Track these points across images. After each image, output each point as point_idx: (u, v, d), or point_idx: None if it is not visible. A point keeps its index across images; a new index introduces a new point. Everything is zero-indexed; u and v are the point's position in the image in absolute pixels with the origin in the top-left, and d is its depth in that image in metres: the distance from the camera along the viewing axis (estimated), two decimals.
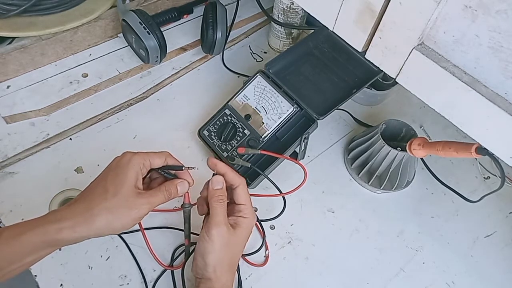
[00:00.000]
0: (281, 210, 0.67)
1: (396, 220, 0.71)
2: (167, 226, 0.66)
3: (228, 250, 0.53)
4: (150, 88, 0.81)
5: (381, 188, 0.72)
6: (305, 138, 0.69)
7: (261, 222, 0.67)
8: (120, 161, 0.52)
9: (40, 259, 0.48)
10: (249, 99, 0.71)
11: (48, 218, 0.48)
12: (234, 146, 0.69)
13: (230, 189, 0.56)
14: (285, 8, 0.83)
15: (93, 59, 0.84)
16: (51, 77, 0.80)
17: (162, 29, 0.79)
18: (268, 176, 0.66)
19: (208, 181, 0.56)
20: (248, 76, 0.80)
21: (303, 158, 0.75)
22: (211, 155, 0.72)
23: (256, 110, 0.70)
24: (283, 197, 0.66)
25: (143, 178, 0.54)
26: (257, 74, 0.71)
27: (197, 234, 0.59)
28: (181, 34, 0.90)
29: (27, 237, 0.46)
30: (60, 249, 0.62)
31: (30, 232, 0.46)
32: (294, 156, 0.74)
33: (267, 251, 0.65)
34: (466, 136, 0.39)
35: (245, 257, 0.64)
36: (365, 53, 0.42)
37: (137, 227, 0.57)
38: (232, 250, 0.53)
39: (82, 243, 0.62)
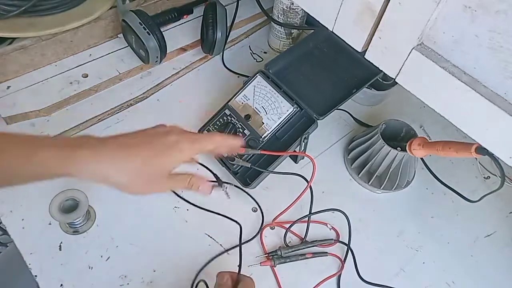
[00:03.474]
0: (282, 210, 0.67)
1: (396, 220, 0.71)
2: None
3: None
4: (150, 89, 0.81)
5: (381, 188, 0.72)
6: (305, 138, 0.69)
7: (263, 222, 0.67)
8: (173, 147, 0.47)
9: (40, 179, 0.47)
10: (249, 99, 0.71)
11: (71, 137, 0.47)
12: None
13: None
14: (285, 8, 0.83)
15: (93, 60, 0.84)
16: (51, 77, 0.80)
17: (162, 29, 0.79)
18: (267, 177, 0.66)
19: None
20: (248, 76, 0.80)
21: (302, 159, 0.75)
22: (211, 155, 0.72)
23: (256, 110, 0.70)
24: (310, 187, 0.66)
25: None
26: (257, 74, 0.71)
27: None
28: (181, 34, 0.90)
29: (45, 154, 0.44)
30: (60, 249, 0.62)
31: (48, 148, 0.44)
32: (294, 156, 0.74)
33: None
34: (466, 136, 0.39)
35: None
36: (365, 53, 0.42)
37: None
38: None
39: (81, 243, 0.63)
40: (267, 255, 0.65)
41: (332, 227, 0.69)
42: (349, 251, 0.66)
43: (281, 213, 0.67)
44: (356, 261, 0.66)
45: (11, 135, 0.46)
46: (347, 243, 0.67)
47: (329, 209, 0.69)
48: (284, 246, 0.66)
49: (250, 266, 0.64)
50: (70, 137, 0.44)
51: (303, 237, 0.67)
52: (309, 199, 0.67)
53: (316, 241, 0.67)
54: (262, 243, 0.66)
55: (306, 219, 0.66)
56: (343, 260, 0.66)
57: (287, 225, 0.67)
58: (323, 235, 0.68)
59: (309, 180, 0.65)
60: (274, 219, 0.68)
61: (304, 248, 0.66)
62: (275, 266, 0.64)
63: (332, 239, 0.67)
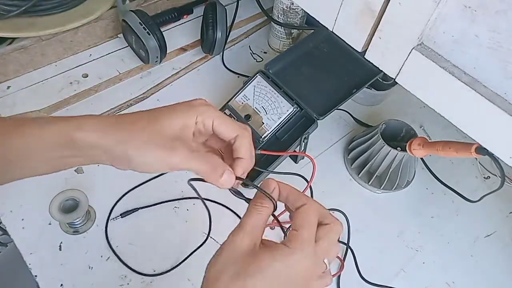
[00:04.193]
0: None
1: (396, 220, 0.71)
2: None
3: (237, 267, 0.35)
4: (150, 89, 0.81)
5: (381, 188, 0.72)
6: (305, 138, 0.69)
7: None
8: (187, 102, 0.42)
9: (53, 168, 0.42)
10: (249, 99, 0.71)
11: (73, 116, 0.40)
12: None
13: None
14: (285, 8, 0.83)
15: (93, 60, 0.84)
16: (51, 77, 0.80)
17: (162, 29, 0.79)
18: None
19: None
20: (248, 76, 0.80)
21: (302, 159, 0.75)
22: None
23: (256, 110, 0.70)
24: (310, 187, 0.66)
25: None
26: (257, 74, 0.71)
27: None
28: (181, 34, 0.91)
29: (49, 126, 0.39)
30: (60, 249, 0.62)
31: (55, 122, 0.39)
32: (294, 157, 0.74)
33: None
34: (466, 136, 0.39)
35: None
36: (365, 53, 0.42)
37: None
38: (245, 273, 0.35)
39: (82, 243, 0.63)
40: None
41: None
42: (349, 251, 0.66)
43: (281, 213, 0.67)
44: (357, 260, 0.66)
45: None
46: (347, 242, 0.67)
47: (328, 209, 0.69)
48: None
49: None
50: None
51: None
52: None
53: None
54: None
55: None
56: (342, 259, 0.66)
57: (288, 225, 0.67)
58: None
59: (309, 180, 0.65)
60: (274, 219, 0.68)
61: None
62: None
63: None
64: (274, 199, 0.40)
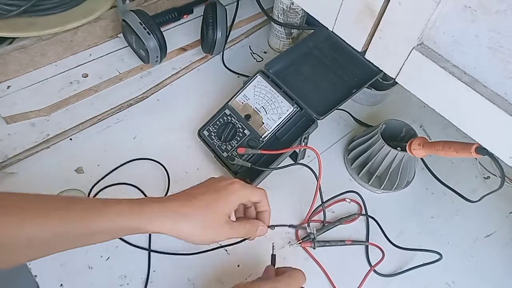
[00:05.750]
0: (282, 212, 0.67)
1: (396, 220, 0.71)
2: None
3: None
4: (150, 88, 0.81)
5: (381, 188, 0.72)
6: (305, 138, 0.69)
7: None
8: (228, 187, 0.52)
9: (110, 239, 0.48)
10: (249, 99, 0.71)
11: (140, 201, 0.48)
12: (234, 146, 0.69)
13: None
14: (285, 8, 0.83)
15: (93, 59, 0.84)
16: (51, 77, 0.80)
17: (162, 29, 0.79)
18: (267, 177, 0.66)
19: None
20: (248, 76, 0.80)
21: (303, 158, 0.75)
22: (211, 155, 0.72)
23: (256, 110, 0.70)
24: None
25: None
26: (257, 74, 0.71)
27: None
28: (181, 34, 0.91)
29: (122, 220, 0.46)
30: None
31: (127, 215, 0.46)
32: (294, 156, 0.74)
33: None
34: (466, 136, 0.39)
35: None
36: (365, 53, 0.42)
37: None
38: None
39: None
40: (301, 240, 0.67)
41: (351, 200, 0.72)
42: (371, 220, 0.70)
43: (312, 207, 0.67)
44: (383, 229, 0.70)
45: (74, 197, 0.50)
46: (366, 213, 0.71)
47: (341, 193, 0.72)
48: (313, 232, 0.67)
49: (291, 247, 0.66)
50: (134, 199, 0.49)
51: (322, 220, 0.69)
52: (310, 199, 0.67)
53: (342, 218, 0.69)
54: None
55: (321, 208, 0.67)
56: (366, 232, 0.69)
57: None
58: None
59: (315, 171, 0.65)
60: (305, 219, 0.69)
61: (333, 227, 0.68)
62: (314, 248, 0.66)
63: (355, 213, 0.70)
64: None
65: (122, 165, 0.71)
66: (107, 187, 0.69)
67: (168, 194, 0.69)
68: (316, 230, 0.67)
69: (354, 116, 0.83)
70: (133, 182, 0.70)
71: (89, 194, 0.68)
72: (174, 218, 0.47)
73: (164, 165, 0.72)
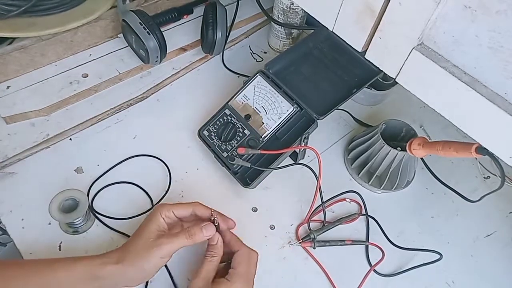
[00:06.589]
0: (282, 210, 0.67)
1: (396, 220, 0.71)
2: None
3: None
4: (150, 88, 0.81)
5: (381, 188, 0.72)
6: (305, 138, 0.69)
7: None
8: (148, 214, 0.58)
9: None
10: (249, 99, 0.71)
11: (97, 255, 0.54)
12: (234, 146, 0.69)
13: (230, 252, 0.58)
14: (285, 8, 0.83)
15: (93, 60, 0.84)
16: (51, 77, 0.80)
17: (162, 29, 0.79)
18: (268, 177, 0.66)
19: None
20: (248, 76, 0.80)
21: (303, 158, 0.75)
22: (211, 155, 0.72)
23: (256, 110, 0.70)
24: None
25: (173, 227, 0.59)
26: (257, 74, 0.71)
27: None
28: (181, 34, 0.91)
29: (79, 264, 0.52)
30: (60, 249, 0.62)
31: (80, 261, 0.53)
32: (294, 156, 0.74)
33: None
34: (466, 136, 0.39)
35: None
36: (365, 53, 0.42)
37: None
38: None
39: (81, 243, 0.63)
40: (301, 240, 0.66)
41: (351, 200, 0.72)
42: (371, 220, 0.70)
43: (312, 206, 0.68)
44: (383, 229, 0.69)
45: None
46: (366, 213, 0.70)
47: (341, 193, 0.72)
48: (313, 230, 0.67)
49: (291, 246, 0.66)
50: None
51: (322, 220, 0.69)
52: (310, 199, 0.67)
53: (342, 218, 0.69)
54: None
55: (321, 207, 0.68)
56: (366, 232, 0.68)
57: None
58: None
59: (315, 171, 0.65)
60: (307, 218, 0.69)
61: (333, 227, 0.68)
62: (314, 248, 0.66)
63: (355, 213, 0.70)
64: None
65: (121, 162, 0.71)
66: (106, 186, 0.69)
67: (168, 191, 0.69)
68: (316, 230, 0.67)
69: (354, 116, 0.83)
70: (133, 181, 0.70)
71: (88, 192, 0.68)
72: (121, 261, 0.53)
73: (164, 164, 0.72)
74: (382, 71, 0.42)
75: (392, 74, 0.41)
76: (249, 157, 0.68)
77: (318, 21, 0.45)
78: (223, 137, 0.70)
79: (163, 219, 0.56)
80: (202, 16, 0.85)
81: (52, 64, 0.82)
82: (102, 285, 0.52)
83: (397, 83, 0.41)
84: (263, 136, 0.68)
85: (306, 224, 0.68)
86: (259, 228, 0.68)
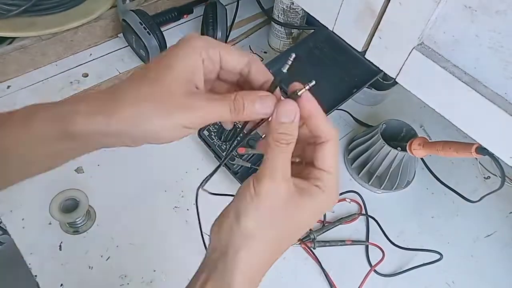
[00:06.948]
0: None
1: (396, 220, 0.71)
2: None
3: (277, 223, 0.33)
4: None
5: (381, 188, 0.72)
6: None
7: None
8: (177, 43, 0.34)
9: (53, 163, 0.38)
10: None
11: (66, 100, 0.34)
12: (234, 146, 0.69)
13: (312, 145, 0.36)
14: (285, 8, 0.83)
15: (94, 59, 0.84)
16: (51, 77, 0.80)
17: (162, 29, 0.79)
18: None
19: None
20: None
21: None
22: (211, 155, 0.72)
23: None
24: None
25: (209, 81, 0.35)
26: None
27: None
28: (181, 34, 0.90)
29: (40, 116, 0.35)
30: (60, 249, 0.62)
31: (43, 111, 0.35)
32: None
33: None
34: (466, 136, 0.39)
35: None
36: (365, 53, 0.42)
37: None
38: (284, 226, 0.34)
39: (82, 243, 0.63)
40: (301, 240, 0.66)
41: (351, 200, 0.72)
42: (371, 220, 0.70)
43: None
44: (383, 229, 0.69)
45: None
46: (366, 213, 0.70)
47: (341, 193, 0.72)
48: (313, 231, 0.67)
49: (291, 246, 0.65)
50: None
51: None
52: None
53: (342, 218, 0.69)
54: None
55: None
56: (366, 232, 0.66)
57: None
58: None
59: None
60: None
61: (333, 227, 0.68)
62: (314, 248, 0.66)
63: (355, 213, 0.70)
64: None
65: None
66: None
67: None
68: (316, 230, 0.67)
69: (354, 116, 0.83)
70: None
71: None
72: (105, 113, 0.33)
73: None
74: (382, 71, 0.42)
75: (392, 74, 0.41)
76: (249, 157, 0.68)
77: (318, 21, 0.45)
78: (223, 137, 0.70)
79: (203, 62, 0.33)
80: (202, 16, 0.85)
81: (52, 64, 0.82)
82: (78, 146, 0.36)
83: (397, 83, 0.41)
84: (263, 136, 0.68)
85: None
86: None
